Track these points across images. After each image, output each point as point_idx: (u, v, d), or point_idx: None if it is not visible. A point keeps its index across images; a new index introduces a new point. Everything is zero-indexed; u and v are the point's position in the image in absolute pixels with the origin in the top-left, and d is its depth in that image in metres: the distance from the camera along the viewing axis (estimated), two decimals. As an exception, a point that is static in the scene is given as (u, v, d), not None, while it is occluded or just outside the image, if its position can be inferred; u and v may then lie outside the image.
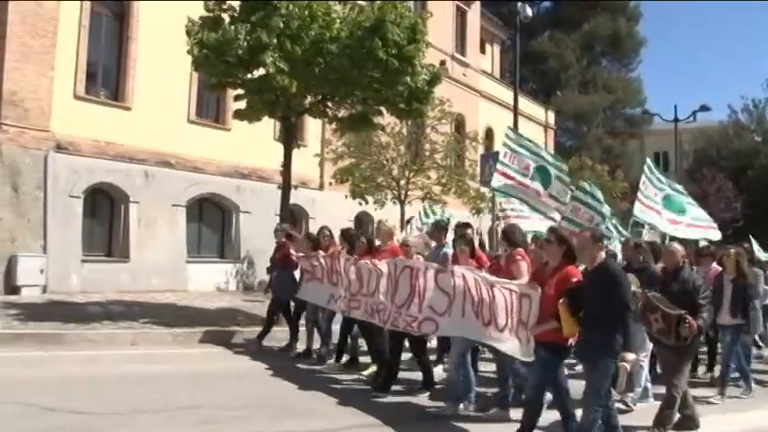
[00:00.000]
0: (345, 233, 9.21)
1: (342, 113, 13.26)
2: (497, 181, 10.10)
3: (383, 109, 13.01)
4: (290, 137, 12.69)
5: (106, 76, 16.68)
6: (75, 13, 15.54)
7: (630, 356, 4.93)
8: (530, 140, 10.75)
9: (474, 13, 30.13)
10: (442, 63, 17.67)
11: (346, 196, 17.79)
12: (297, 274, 9.83)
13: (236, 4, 12.39)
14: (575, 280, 5.29)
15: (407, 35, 11.90)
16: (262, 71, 11.45)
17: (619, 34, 47.71)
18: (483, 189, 19.65)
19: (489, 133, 29.81)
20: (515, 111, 19.43)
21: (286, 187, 12.35)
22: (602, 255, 5.26)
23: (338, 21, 12.12)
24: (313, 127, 19.77)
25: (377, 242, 8.89)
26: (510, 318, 5.78)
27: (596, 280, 5.09)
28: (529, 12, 19.46)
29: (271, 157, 15.51)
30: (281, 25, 11.29)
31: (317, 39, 11.66)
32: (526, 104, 31.16)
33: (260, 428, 5.87)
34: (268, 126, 15.71)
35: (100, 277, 15.26)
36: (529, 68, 42.63)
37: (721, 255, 8.86)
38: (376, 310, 7.49)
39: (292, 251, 9.88)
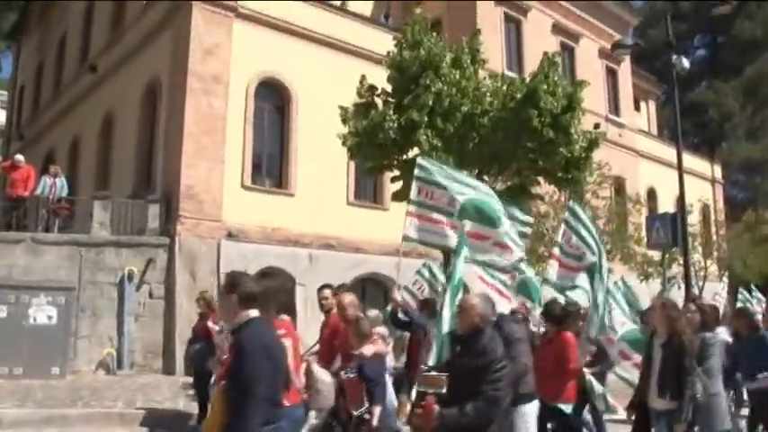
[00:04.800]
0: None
1: (499, 186, 13.11)
2: (410, 226, 7.23)
3: (540, 179, 12.74)
4: (448, 213, 12.64)
5: (270, 166, 17.72)
6: (241, 109, 16.77)
7: None
8: (450, 169, 7.81)
9: (625, 72, 29.24)
10: (596, 126, 17.19)
11: (506, 268, 17.46)
12: None
13: (389, 87, 12.78)
14: None
15: (562, 104, 11.68)
16: (416, 151, 11.61)
17: (786, 75, 44.58)
18: (650, 253, 18.58)
19: (652, 194, 28.35)
20: (679, 168, 18.31)
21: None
22: (249, 313, 3.57)
23: (488, 94, 12.15)
24: (469, 200, 19.72)
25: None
26: None
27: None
28: (686, 63, 18.49)
29: (429, 233, 15.55)
30: (431, 103, 11.46)
31: (469, 114, 11.72)
32: (689, 160, 29.37)
33: None
34: (425, 203, 15.81)
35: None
36: (688, 122, 40.56)
37: None
38: None
39: (209, 322, 8.80)
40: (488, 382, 3.96)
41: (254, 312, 3.61)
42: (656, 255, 18.60)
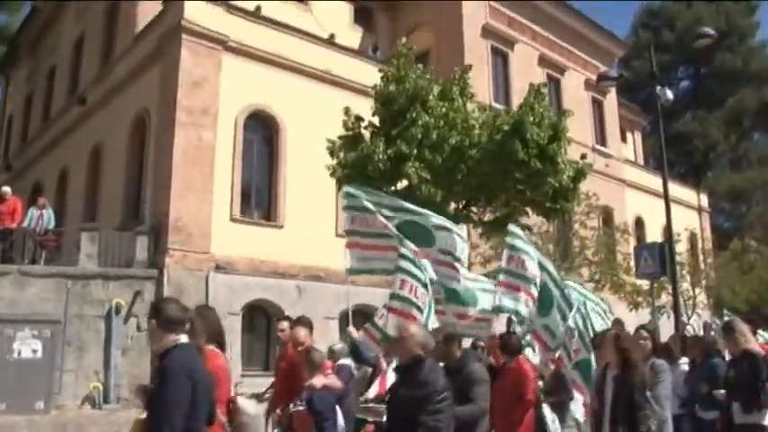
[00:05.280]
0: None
1: (487, 217, 13.15)
2: (351, 258, 7.08)
3: (528, 209, 12.81)
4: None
5: (259, 198, 17.72)
6: (230, 141, 16.81)
7: None
8: (377, 192, 7.64)
9: (611, 103, 29.63)
10: (583, 156, 17.34)
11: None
12: None
13: (376, 120, 12.85)
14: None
15: (548, 134, 11.80)
16: (405, 182, 11.66)
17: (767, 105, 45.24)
18: (640, 282, 18.63)
19: (640, 223, 28.53)
20: (666, 197, 18.49)
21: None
22: (175, 338, 3.53)
23: (477, 127, 12.24)
24: (458, 231, 19.72)
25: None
26: None
27: None
28: (670, 95, 18.70)
29: (418, 265, 15.54)
30: (420, 136, 11.53)
31: (457, 146, 11.80)
32: (676, 189, 29.67)
33: None
34: (414, 234, 15.81)
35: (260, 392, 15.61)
36: (674, 151, 40.98)
37: None
38: None
39: None
40: (429, 412, 3.84)
41: (183, 338, 3.54)
42: (645, 284, 18.67)
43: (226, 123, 16.77)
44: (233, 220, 16.57)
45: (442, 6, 23.56)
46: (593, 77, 24.64)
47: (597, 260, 18.65)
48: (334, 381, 5.66)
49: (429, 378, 3.98)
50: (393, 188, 12.05)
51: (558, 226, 17.86)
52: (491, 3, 24.22)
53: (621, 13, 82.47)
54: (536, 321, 7.07)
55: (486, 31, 23.82)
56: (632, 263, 17.68)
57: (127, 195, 18.20)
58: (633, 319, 16.85)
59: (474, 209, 12.83)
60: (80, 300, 14.58)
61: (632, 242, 21.22)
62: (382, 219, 6.83)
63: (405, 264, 6.43)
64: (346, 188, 7.44)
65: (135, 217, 17.47)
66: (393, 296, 6.42)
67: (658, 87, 18.47)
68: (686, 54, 41.90)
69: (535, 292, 6.93)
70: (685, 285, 21.77)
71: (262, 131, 17.90)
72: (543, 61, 26.09)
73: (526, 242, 7.28)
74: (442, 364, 4.87)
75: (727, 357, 6.99)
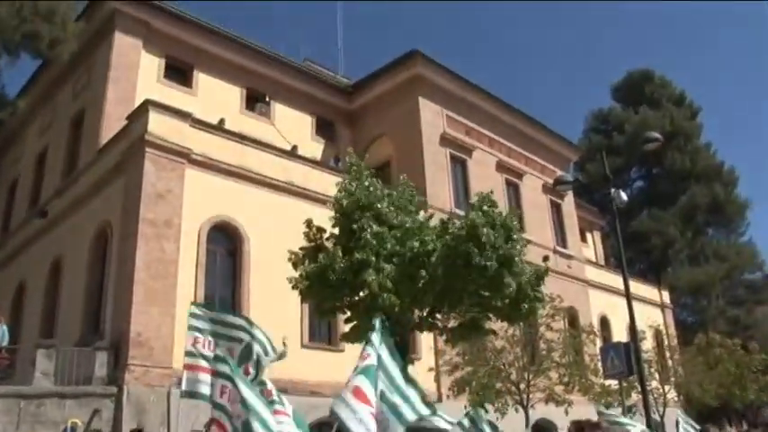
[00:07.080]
0: None
1: (451, 323, 13.12)
2: (186, 382, 6.86)
3: (491, 315, 12.81)
4: (403, 353, 12.51)
5: (222, 309, 17.41)
6: (193, 253, 16.73)
7: None
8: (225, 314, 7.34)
9: (569, 205, 30.42)
10: (546, 258, 17.55)
11: (465, 407, 17.14)
12: None
13: (337, 230, 12.96)
14: None
15: (502, 236, 11.93)
16: (366, 291, 11.62)
17: (718, 201, 46.94)
18: (608, 383, 18.56)
19: (605, 322, 28.75)
20: (628, 297, 18.73)
21: (402, 406, 11.97)
22: None
23: (433, 234, 12.38)
24: (425, 339, 19.53)
25: None
26: None
27: None
28: (624, 197, 19.26)
29: (384, 373, 15.28)
30: (374, 243, 11.59)
31: (416, 254, 11.88)
32: (637, 287, 30.17)
33: None
34: (380, 342, 15.64)
35: None
36: (633, 249, 41.90)
37: None
38: None
39: None
40: None
41: None
42: (614, 384, 18.59)
43: (189, 235, 16.75)
44: (196, 332, 16.23)
45: (401, 117, 24.38)
46: (551, 181, 25.39)
47: (565, 362, 18.60)
48: None
49: None
50: (356, 297, 12.03)
51: (523, 329, 17.88)
52: (448, 113, 25.14)
53: (575, 117, 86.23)
54: None
55: (445, 140, 24.59)
56: (599, 364, 17.65)
57: (87, 310, 17.80)
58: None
59: (438, 315, 12.81)
60: (33, 420, 13.92)
61: (599, 342, 21.26)
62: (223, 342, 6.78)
63: (222, 367, 6.03)
64: (192, 308, 7.36)
65: (95, 332, 17.02)
66: (216, 405, 5.98)
67: (612, 190, 19.04)
68: (637, 155, 43.63)
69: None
70: (654, 383, 21.73)
71: (225, 243, 17.89)
72: (501, 167, 26.87)
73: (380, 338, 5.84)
74: None
75: None
